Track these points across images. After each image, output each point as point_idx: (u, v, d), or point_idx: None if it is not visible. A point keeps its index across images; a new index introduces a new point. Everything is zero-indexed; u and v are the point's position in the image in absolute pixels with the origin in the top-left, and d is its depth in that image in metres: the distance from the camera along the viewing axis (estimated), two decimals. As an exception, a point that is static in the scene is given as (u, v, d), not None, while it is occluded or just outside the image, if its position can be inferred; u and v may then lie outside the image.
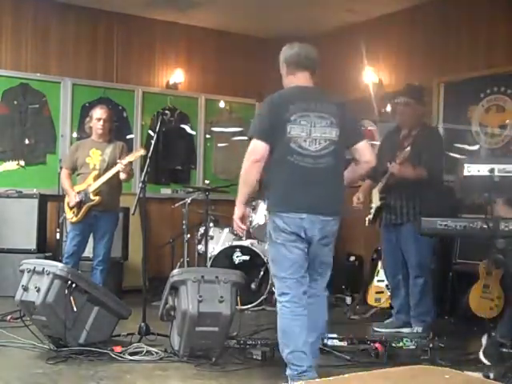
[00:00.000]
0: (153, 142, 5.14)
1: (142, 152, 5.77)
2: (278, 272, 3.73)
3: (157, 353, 4.32)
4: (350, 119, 3.85)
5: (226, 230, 6.94)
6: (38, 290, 4.30)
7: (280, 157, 3.68)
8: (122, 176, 5.76)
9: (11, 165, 6.07)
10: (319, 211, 3.68)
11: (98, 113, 5.94)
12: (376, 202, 5.39)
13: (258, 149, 3.66)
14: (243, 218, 3.79)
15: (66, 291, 4.30)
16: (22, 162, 6.12)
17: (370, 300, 6.40)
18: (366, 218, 5.51)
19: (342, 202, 3.89)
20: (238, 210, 3.76)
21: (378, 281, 6.43)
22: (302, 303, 3.67)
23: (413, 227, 5.12)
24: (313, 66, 3.91)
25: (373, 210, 5.43)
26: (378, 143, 7.67)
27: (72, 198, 5.77)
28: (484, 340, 4.22)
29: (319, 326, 3.83)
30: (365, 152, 3.83)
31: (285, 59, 3.96)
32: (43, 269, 4.37)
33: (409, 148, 5.07)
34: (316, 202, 3.68)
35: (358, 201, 5.38)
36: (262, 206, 6.66)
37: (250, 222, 6.74)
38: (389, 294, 5.97)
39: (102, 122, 5.90)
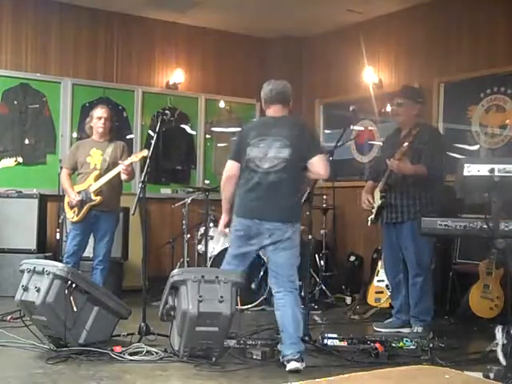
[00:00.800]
0: (153, 142, 5.13)
1: (144, 153, 5.78)
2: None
3: (157, 353, 4.31)
4: (303, 139, 4.40)
5: (226, 230, 6.92)
6: (38, 290, 4.30)
7: (242, 173, 4.46)
8: (124, 177, 5.77)
9: (9, 161, 6.08)
10: (266, 218, 4.30)
11: (99, 112, 5.94)
12: (377, 201, 5.39)
13: (230, 167, 4.52)
14: (227, 224, 4.60)
15: (66, 291, 4.30)
16: (20, 159, 6.13)
17: (370, 300, 6.41)
18: (368, 218, 5.50)
19: (292, 210, 4.38)
20: (223, 219, 4.60)
21: (378, 281, 6.43)
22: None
23: (412, 226, 5.12)
24: (283, 99, 4.51)
25: (374, 210, 5.43)
26: (378, 143, 7.70)
27: (73, 198, 5.78)
28: (499, 334, 4.16)
29: (291, 322, 4.23)
30: (317, 166, 4.36)
31: (262, 96, 4.57)
32: (43, 269, 4.37)
33: (406, 143, 5.07)
34: (263, 210, 4.32)
35: (369, 203, 5.41)
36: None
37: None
38: (389, 293, 5.98)
39: (102, 121, 5.90)
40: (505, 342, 4.00)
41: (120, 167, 5.66)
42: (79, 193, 5.79)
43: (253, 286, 6.45)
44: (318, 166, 4.34)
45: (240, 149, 4.48)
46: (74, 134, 7.49)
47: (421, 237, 5.04)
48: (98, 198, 5.75)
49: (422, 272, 5.22)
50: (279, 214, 4.30)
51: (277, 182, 4.32)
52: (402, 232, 5.30)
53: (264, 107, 4.60)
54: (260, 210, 4.32)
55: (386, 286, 6.19)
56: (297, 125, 4.51)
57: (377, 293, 6.39)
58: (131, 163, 5.74)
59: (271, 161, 4.35)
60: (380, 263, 6.49)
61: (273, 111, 4.51)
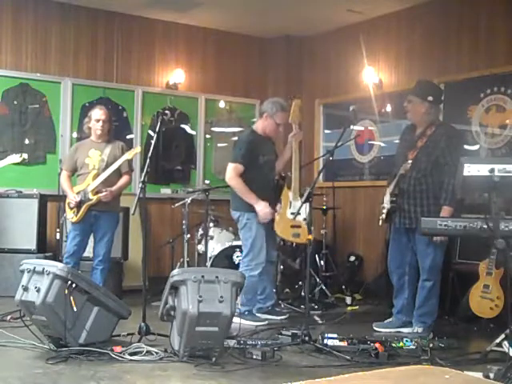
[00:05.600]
0: (153, 142, 5.13)
1: (137, 150, 5.82)
2: None
3: (157, 353, 4.31)
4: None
5: (226, 230, 6.94)
6: (38, 290, 4.29)
7: None
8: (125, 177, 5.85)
9: (14, 158, 6.09)
10: None
11: (98, 113, 5.93)
12: (387, 204, 5.31)
13: None
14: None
15: (66, 291, 4.30)
16: (26, 155, 6.15)
17: (286, 235, 5.87)
18: (380, 218, 5.37)
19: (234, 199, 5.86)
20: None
21: (292, 214, 5.70)
22: None
23: None
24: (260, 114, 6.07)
25: (385, 211, 5.34)
26: (377, 143, 7.71)
27: (72, 198, 5.78)
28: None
29: None
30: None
31: None
32: (43, 269, 4.36)
33: (410, 161, 5.01)
34: None
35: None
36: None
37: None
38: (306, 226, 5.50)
39: (101, 123, 5.89)
40: None
41: (116, 164, 5.68)
42: (78, 193, 5.80)
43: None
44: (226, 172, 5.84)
45: None
46: (74, 134, 7.49)
47: (434, 242, 5.01)
48: (96, 198, 5.75)
49: (433, 277, 5.18)
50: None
51: None
52: (416, 238, 5.23)
53: None
54: None
55: (304, 219, 5.60)
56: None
57: (293, 227, 5.77)
58: (129, 162, 5.75)
59: None
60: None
61: None
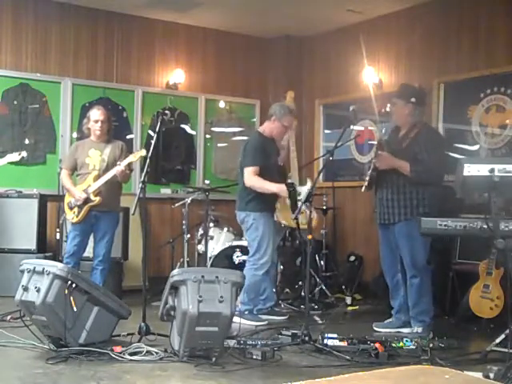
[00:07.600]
0: (153, 142, 5.13)
1: (142, 153, 5.76)
2: None
3: (157, 353, 4.31)
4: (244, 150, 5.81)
5: (226, 229, 6.94)
6: (38, 290, 4.30)
7: None
8: (118, 178, 5.73)
9: (13, 156, 6.10)
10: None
11: (96, 114, 5.91)
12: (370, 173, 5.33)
13: None
14: None
15: (66, 291, 4.30)
16: (24, 153, 6.14)
17: (288, 220, 5.85)
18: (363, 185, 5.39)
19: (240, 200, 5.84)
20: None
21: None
22: None
23: (405, 227, 5.12)
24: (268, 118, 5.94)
25: (367, 178, 5.36)
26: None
27: (79, 196, 5.73)
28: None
29: None
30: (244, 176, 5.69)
31: None
32: (43, 269, 4.37)
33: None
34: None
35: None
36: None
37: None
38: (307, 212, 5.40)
39: (99, 124, 5.88)
40: None
41: (115, 169, 5.65)
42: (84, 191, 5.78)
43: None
44: (244, 176, 5.66)
45: None
46: (74, 134, 7.48)
47: (414, 237, 5.03)
48: (98, 199, 5.74)
49: (419, 273, 5.20)
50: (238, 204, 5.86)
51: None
52: (395, 233, 5.29)
53: None
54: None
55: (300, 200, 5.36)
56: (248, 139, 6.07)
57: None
58: (129, 164, 5.72)
59: None
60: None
61: None
